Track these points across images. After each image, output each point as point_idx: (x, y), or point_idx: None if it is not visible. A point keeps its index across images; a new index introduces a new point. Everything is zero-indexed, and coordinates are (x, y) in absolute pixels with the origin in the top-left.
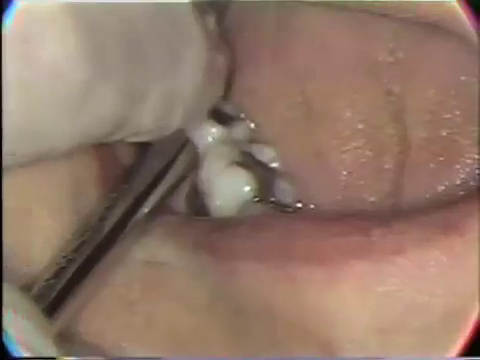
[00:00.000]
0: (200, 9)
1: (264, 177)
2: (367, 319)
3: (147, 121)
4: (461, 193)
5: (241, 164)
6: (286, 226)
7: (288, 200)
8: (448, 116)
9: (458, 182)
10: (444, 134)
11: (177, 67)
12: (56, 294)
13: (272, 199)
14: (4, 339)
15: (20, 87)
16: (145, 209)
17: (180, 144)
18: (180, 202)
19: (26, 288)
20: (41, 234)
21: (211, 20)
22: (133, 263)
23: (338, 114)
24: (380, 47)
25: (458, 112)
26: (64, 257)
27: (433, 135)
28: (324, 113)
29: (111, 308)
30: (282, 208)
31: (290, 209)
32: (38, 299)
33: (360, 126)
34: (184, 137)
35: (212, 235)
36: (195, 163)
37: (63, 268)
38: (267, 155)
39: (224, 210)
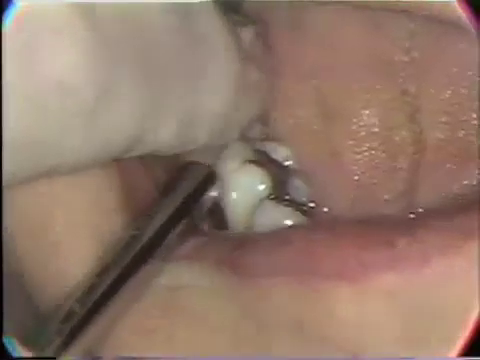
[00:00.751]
0: (231, 20)
1: (278, 175)
2: (396, 330)
3: (167, 138)
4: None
5: (256, 162)
6: (307, 239)
7: (303, 199)
8: (464, 117)
9: (474, 182)
10: (460, 135)
11: (200, 82)
12: (81, 318)
13: (286, 197)
14: (4, 339)
15: (25, 100)
16: (170, 237)
17: (204, 175)
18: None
19: (53, 310)
20: (66, 254)
21: (248, 31)
22: (154, 288)
23: (353, 114)
24: (395, 46)
25: (474, 114)
26: (91, 281)
27: (449, 136)
28: (339, 113)
29: (129, 335)
30: (296, 206)
31: (304, 208)
32: (64, 320)
33: (375, 126)
34: (208, 169)
35: (234, 253)
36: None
37: (88, 292)
38: (281, 153)
39: (239, 209)
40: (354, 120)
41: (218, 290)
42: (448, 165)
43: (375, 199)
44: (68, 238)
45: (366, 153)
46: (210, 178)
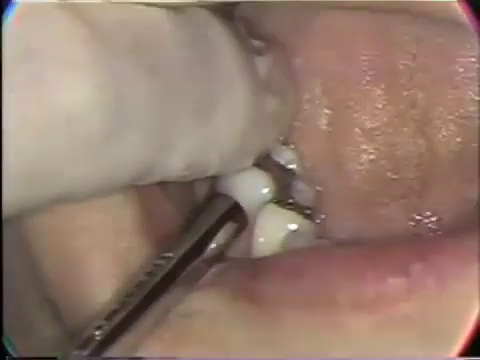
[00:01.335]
0: (247, 48)
1: (282, 179)
2: (416, 356)
3: (177, 168)
4: None
5: (259, 166)
6: (322, 269)
7: (306, 203)
8: (476, 127)
9: None
10: (473, 146)
11: (212, 115)
12: (99, 343)
13: (290, 201)
14: (3, 340)
15: (30, 130)
16: (193, 265)
17: (228, 207)
18: None
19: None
20: (89, 277)
21: (264, 60)
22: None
23: (358, 124)
24: (402, 52)
25: None
26: (112, 308)
27: (462, 148)
28: (344, 120)
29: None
30: (300, 210)
31: (308, 211)
32: (84, 345)
33: (381, 138)
34: (232, 201)
35: (250, 283)
36: (243, 225)
37: (109, 319)
38: (285, 157)
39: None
40: (357, 130)
41: (234, 318)
42: (457, 177)
43: (381, 209)
44: (90, 260)
45: (369, 164)
46: (234, 210)
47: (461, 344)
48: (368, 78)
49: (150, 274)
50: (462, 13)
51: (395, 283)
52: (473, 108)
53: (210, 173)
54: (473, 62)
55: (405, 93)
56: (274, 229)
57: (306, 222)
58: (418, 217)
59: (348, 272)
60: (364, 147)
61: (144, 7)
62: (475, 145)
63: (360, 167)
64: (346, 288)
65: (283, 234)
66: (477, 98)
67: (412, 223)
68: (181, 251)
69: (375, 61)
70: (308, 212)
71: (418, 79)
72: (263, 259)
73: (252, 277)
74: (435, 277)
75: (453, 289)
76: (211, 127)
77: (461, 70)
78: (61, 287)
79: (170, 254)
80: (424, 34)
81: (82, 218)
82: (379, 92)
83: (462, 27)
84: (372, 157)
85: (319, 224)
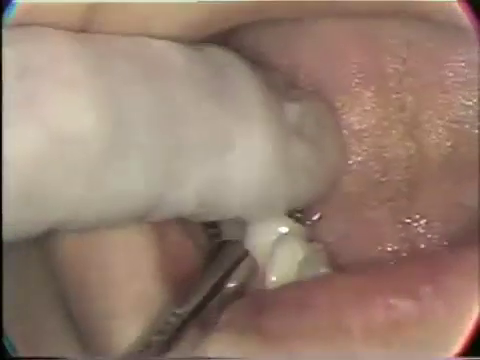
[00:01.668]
0: (276, 92)
1: None
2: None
3: (189, 204)
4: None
5: None
6: (331, 298)
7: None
8: (466, 131)
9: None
10: (463, 151)
11: (226, 152)
12: None
13: None
14: (3, 340)
15: (27, 148)
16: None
17: (238, 255)
18: None
19: None
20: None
21: (295, 107)
22: None
23: (345, 127)
24: (392, 56)
25: (476, 130)
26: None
27: (451, 152)
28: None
29: None
30: (291, 213)
31: (298, 215)
32: None
33: (370, 140)
34: (243, 249)
35: (258, 318)
36: (254, 273)
37: None
38: None
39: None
40: (345, 132)
41: (241, 353)
42: (447, 181)
43: (371, 213)
44: (108, 296)
45: (357, 166)
46: (244, 256)
47: (461, 344)
48: (357, 80)
49: (168, 323)
50: (459, 14)
51: (406, 310)
52: (463, 113)
53: (231, 215)
54: (463, 67)
55: (394, 96)
56: (265, 233)
57: (296, 225)
58: (407, 220)
59: (356, 299)
60: (352, 148)
61: (156, 40)
62: (465, 149)
63: (348, 169)
64: (356, 316)
65: (274, 237)
66: (467, 103)
67: (400, 226)
68: (194, 303)
69: (364, 64)
70: (298, 216)
71: (408, 83)
72: (268, 293)
73: (258, 312)
74: (446, 302)
75: (459, 311)
76: (225, 164)
77: (451, 75)
78: (82, 316)
79: (180, 310)
80: (414, 39)
81: (102, 253)
82: (368, 94)
83: (453, 32)
84: (360, 159)
85: (309, 227)
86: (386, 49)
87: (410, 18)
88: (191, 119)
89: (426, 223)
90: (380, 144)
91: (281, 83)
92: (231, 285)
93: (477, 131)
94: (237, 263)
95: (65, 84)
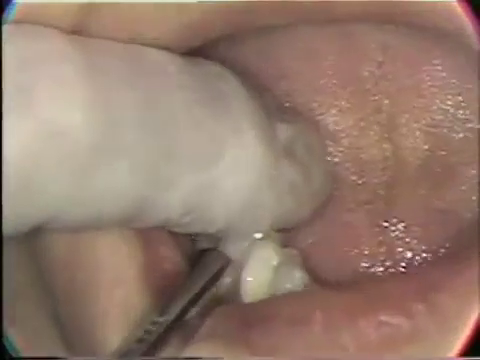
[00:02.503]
0: (269, 113)
1: None
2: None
3: (174, 211)
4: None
5: None
6: (324, 319)
7: None
8: (444, 135)
9: (456, 198)
10: (441, 154)
11: (215, 161)
12: None
13: None
14: (4, 340)
15: (20, 140)
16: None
17: (221, 264)
18: None
19: None
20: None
21: (286, 129)
22: None
23: (323, 124)
24: (368, 60)
25: (453, 134)
26: None
27: (429, 156)
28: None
29: None
30: None
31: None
32: None
33: (346, 141)
34: (225, 258)
35: (248, 331)
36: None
37: None
38: None
39: None
40: (322, 133)
41: None
42: (424, 185)
43: (343, 214)
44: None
45: (334, 167)
46: (226, 264)
47: (461, 344)
48: (334, 81)
49: (149, 331)
50: (439, 18)
51: (399, 329)
52: (440, 117)
53: (215, 227)
54: (440, 71)
55: (371, 98)
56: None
57: (271, 231)
58: (385, 224)
59: (350, 317)
60: (329, 150)
61: (150, 48)
62: (443, 153)
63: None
64: (351, 336)
65: (248, 243)
66: (444, 107)
67: (377, 229)
68: (175, 311)
69: (341, 67)
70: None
71: (384, 86)
72: (256, 306)
73: (248, 325)
74: (438, 321)
75: (451, 328)
76: (214, 174)
77: (428, 79)
78: (68, 317)
79: (161, 319)
80: (391, 43)
81: (88, 257)
82: (344, 96)
83: (430, 36)
84: (337, 160)
85: (285, 230)
86: (363, 53)
87: (387, 23)
88: (181, 125)
89: (404, 227)
90: (357, 145)
91: (273, 105)
92: (213, 293)
93: (454, 135)
94: (219, 271)
95: (57, 81)
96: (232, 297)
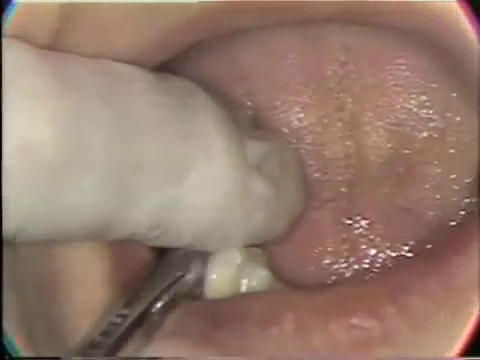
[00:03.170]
0: (240, 128)
1: None
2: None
3: (141, 226)
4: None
5: None
6: (296, 320)
7: None
8: (407, 134)
9: (420, 197)
10: (404, 153)
11: (183, 177)
12: None
13: None
14: (4, 340)
15: None
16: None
17: (186, 263)
18: None
19: None
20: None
21: (257, 145)
22: None
23: (286, 126)
24: (331, 59)
25: (417, 132)
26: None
27: (392, 154)
28: (270, 120)
29: None
30: None
31: None
32: None
33: (309, 137)
34: (191, 258)
35: (216, 331)
36: (199, 284)
37: None
38: None
39: None
40: (286, 130)
41: None
42: (391, 182)
43: (307, 212)
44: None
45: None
46: (190, 264)
47: (461, 344)
48: (297, 79)
49: (113, 324)
50: (404, 16)
51: (370, 331)
52: (403, 116)
53: (182, 243)
54: (404, 70)
55: (334, 96)
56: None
57: None
58: (348, 221)
59: (322, 319)
60: (292, 147)
61: (120, 64)
62: (406, 152)
63: None
64: (322, 338)
65: None
66: (408, 106)
67: (341, 227)
68: (140, 305)
69: (304, 66)
70: None
71: (347, 85)
72: (225, 304)
73: (215, 325)
74: (409, 323)
75: (428, 331)
76: (181, 190)
77: (391, 78)
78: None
79: (125, 311)
80: (354, 44)
81: (57, 255)
82: (308, 94)
83: (393, 36)
84: (300, 157)
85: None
86: (325, 53)
87: (357, 23)
88: (150, 141)
89: (367, 224)
90: (320, 142)
91: (246, 121)
92: (177, 289)
93: (418, 134)
94: (185, 269)
95: (27, 95)
96: (195, 294)
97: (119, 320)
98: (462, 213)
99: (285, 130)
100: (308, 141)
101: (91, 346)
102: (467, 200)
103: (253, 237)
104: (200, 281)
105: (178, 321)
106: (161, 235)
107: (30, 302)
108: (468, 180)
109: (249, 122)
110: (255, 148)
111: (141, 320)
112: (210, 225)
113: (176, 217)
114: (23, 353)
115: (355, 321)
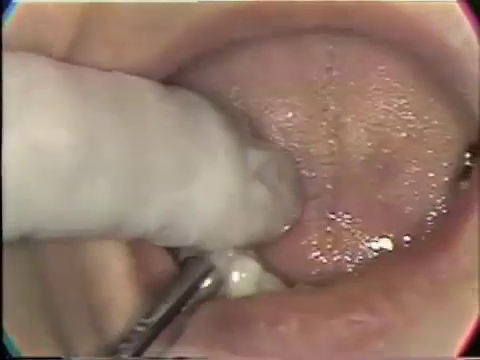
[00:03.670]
0: (242, 138)
1: None
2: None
3: (151, 226)
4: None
5: None
6: (300, 318)
7: None
8: (387, 134)
9: (399, 193)
10: (385, 152)
11: (190, 181)
12: None
13: None
14: (4, 340)
15: (9, 158)
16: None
17: (205, 270)
18: None
19: None
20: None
21: (257, 155)
22: None
23: (275, 125)
24: (317, 66)
25: (397, 134)
26: None
27: (372, 153)
28: (261, 124)
29: None
30: None
31: None
32: None
33: (296, 136)
34: (210, 264)
35: (228, 334)
36: (217, 289)
37: None
38: None
39: None
40: (274, 129)
41: None
42: (372, 179)
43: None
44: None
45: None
46: (209, 271)
47: (461, 344)
48: (286, 83)
49: (135, 332)
50: (385, 26)
51: (368, 326)
52: (383, 117)
53: (189, 242)
54: (384, 75)
55: (319, 98)
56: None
57: None
58: (332, 216)
59: (325, 317)
60: (281, 145)
61: (133, 77)
62: (386, 151)
63: None
64: (325, 333)
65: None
66: (388, 107)
67: (325, 221)
68: (161, 313)
69: (292, 72)
70: None
71: (331, 89)
72: (236, 307)
73: (227, 328)
74: (405, 317)
75: (422, 325)
76: (188, 193)
77: (372, 82)
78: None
79: (148, 320)
80: (338, 51)
81: (80, 256)
82: (295, 96)
83: (374, 43)
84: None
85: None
86: (312, 60)
87: (334, 33)
88: (160, 147)
89: (349, 219)
90: (306, 140)
91: (247, 131)
92: (198, 297)
93: (397, 134)
94: (203, 276)
95: (44, 103)
96: (213, 297)
97: (141, 329)
98: (440, 210)
99: (274, 129)
100: (295, 139)
101: (114, 352)
102: (444, 197)
103: (253, 238)
104: (219, 285)
105: (196, 326)
106: (170, 235)
107: (55, 300)
108: (446, 179)
109: (250, 132)
110: (255, 157)
111: (162, 327)
112: (214, 227)
113: (183, 218)
114: (25, 353)
115: (354, 317)
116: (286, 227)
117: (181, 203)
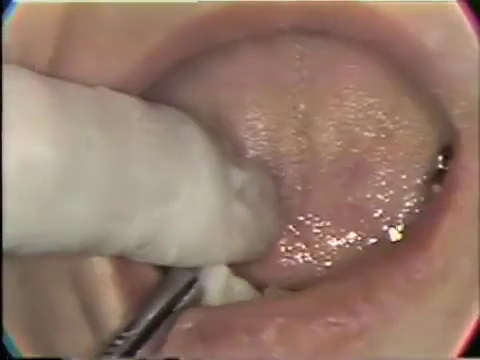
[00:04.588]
0: (226, 156)
1: None
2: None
3: (131, 243)
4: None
5: None
6: (280, 327)
7: None
8: (356, 133)
9: (368, 196)
10: (354, 151)
11: (171, 200)
12: None
13: None
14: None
15: None
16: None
17: (188, 280)
18: None
19: None
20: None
21: (240, 173)
22: None
23: (244, 124)
24: (287, 66)
25: (367, 133)
26: None
27: (341, 152)
28: (230, 122)
29: None
30: None
31: None
32: None
33: (265, 134)
34: (191, 276)
35: (210, 347)
36: (199, 299)
37: None
38: None
39: None
40: (243, 127)
41: None
42: (340, 180)
43: None
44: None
45: (255, 160)
46: (193, 281)
47: (461, 344)
48: (255, 82)
49: (113, 346)
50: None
51: (347, 328)
52: (352, 116)
53: (169, 261)
54: (354, 74)
55: (289, 96)
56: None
57: None
58: (301, 218)
59: (304, 322)
60: (249, 144)
61: (117, 93)
62: (355, 151)
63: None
64: (308, 336)
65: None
66: (357, 106)
67: (295, 224)
68: (141, 327)
69: (262, 71)
70: None
71: (301, 87)
72: (216, 317)
73: (206, 340)
74: (383, 318)
75: (401, 325)
76: (168, 211)
77: (342, 81)
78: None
79: (129, 333)
80: (308, 51)
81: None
82: (264, 92)
83: (344, 42)
84: (257, 153)
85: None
86: (282, 60)
87: (305, 35)
88: (143, 165)
89: (319, 222)
90: (275, 138)
91: (230, 150)
92: (179, 309)
93: (367, 134)
94: (185, 288)
95: (27, 117)
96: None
97: (120, 342)
98: (411, 212)
99: (243, 127)
100: (265, 138)
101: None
102: (415, 200)
103: (233, 258)
104: (201, 295)
105: (177, 339)
106: (148, 253)
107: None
108: (417, 181)
109: (233, 151)
110: (238, 176)
111: (143, 340)
112: (194, 245)
113: (163, 236)
114: (25, 353)
115: (333, 319)
116: (267, 246)
117: (163, 220)
